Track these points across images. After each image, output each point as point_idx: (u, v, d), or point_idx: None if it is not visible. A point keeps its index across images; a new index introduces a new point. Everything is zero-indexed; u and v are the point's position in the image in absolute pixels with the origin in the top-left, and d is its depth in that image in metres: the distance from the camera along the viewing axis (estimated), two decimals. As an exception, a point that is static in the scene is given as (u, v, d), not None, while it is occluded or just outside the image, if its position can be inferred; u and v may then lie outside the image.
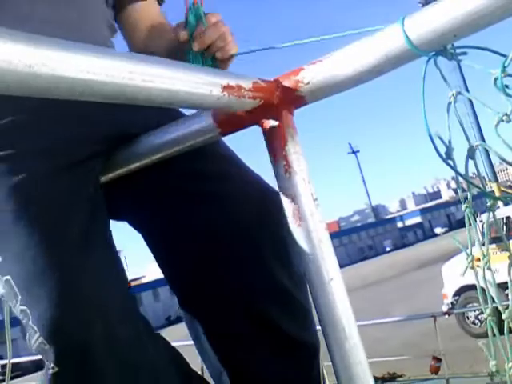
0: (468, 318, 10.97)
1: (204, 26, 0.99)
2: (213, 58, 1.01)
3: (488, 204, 0.76)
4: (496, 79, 0.69)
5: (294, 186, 0.81)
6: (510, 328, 0.73)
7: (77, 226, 0.96)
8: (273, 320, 1.07)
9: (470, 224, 0.77)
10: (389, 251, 59.59)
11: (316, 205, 0.82)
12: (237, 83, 0.76)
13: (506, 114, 0.69)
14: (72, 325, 0.87)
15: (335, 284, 0.80)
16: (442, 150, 0.74)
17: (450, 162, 0.74)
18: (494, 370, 0.73)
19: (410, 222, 69.53)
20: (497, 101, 0.68)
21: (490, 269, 0.74)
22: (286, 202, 0.82)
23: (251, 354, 1.09)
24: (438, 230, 63.00)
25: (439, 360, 7.29)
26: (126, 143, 1.03)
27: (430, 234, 62.34)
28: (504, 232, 10.39)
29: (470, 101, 0.72)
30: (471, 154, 0.74)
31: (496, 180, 14.13)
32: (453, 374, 7.26)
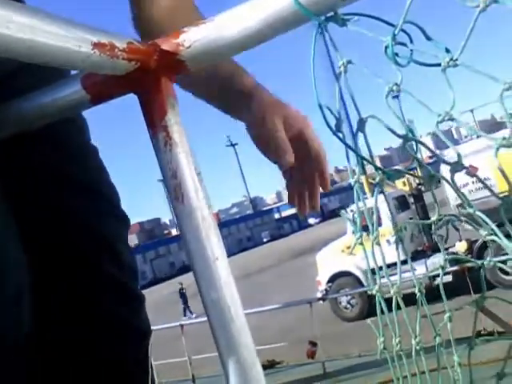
0: (340, 303, 11.53)
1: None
2: None
3: (377, 179, 0.73)
4: (387, 47, 0.66)
5: (175, 160, 0.73)
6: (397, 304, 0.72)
7: None
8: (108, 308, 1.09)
9: (360, 199, 0.75)
10: (266, 242, 61.22)
11: (199, 180, 0.75)
12: (109, 41, 0.67)
13: (397, 84, 0.67)
14: None
15: (220, 264, 0.74)
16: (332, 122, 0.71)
17: (340, 134, 0.71)
18: (382, 347, 0.71)
19: (286, 213, 71.75)
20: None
21: (378, 243, 0.72)
22: (167, 178, 0.74)
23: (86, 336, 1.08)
24: (311, 221, 65.62)
25: (315, 344, 7.58)
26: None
27: (304, 225, 64.77)
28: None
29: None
30: (361, 127, 0.72)
31: (364, 172, 14.85)
32: (328, 357, 7.57)
